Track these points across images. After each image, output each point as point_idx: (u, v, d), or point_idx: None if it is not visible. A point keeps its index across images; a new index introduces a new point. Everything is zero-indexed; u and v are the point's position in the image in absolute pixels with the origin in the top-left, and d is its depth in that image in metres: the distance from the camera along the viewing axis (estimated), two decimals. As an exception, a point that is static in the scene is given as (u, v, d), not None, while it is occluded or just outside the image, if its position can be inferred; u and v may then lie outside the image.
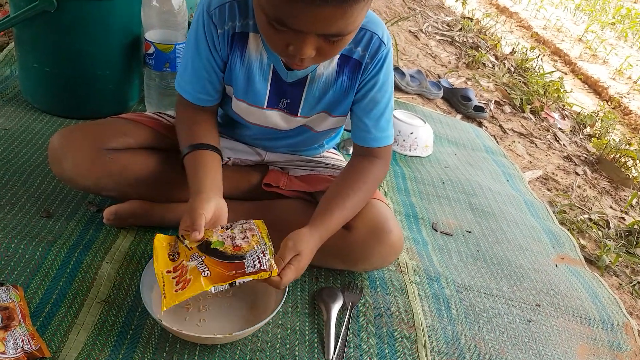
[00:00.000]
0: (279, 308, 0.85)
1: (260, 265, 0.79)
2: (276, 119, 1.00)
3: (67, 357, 0.79)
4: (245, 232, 0.85)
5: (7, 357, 0.75)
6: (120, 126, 1.03)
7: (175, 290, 0.77)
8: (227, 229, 0.85)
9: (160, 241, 0.85)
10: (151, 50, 1.33)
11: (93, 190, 1.02)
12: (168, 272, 0.80)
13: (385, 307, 1.01)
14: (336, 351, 0.88)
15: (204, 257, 0.80)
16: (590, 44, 3.89)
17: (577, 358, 1.03)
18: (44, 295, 0.88)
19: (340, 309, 0.96)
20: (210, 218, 0.84)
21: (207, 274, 0.77)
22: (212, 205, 0.85)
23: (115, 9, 1.27)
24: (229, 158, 1.11)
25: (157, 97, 1.41)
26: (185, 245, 0.82)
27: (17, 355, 0.76)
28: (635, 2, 5.97)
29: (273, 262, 0.80)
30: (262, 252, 0.81)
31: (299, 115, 0.98)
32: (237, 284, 0.78)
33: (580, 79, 3.28)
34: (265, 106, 0.97)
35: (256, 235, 0.84)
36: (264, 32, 0.79)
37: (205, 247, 0.81)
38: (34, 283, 0.90)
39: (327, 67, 0.93)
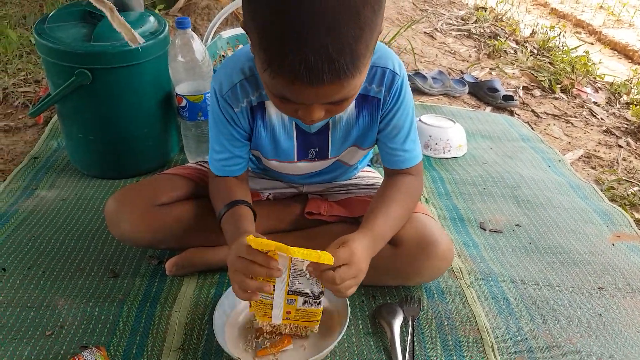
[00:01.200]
0: (344, 329, 0.88)
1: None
2: (306, 166, 1.05)
3: (155, 406, 0.85)
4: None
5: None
6: (167, 182, 1.10)
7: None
8: None
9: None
10: (183, 103, 1.41)
11: (151, 245, 1.09)
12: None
13: (447, 315, 1.02)
14: (405, 365, 0.91)
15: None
16: (612, 10, 3.78)
17: (650, 337, 1.01)
18: (124, 351, 0.95)
19: (402, 324, 0.98)
20: None
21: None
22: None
23: (145, 71, 1.36)
24: (269, 193, 1.16)
25: (195, 145, 1.48)
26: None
27: (111, 410, 0.82)
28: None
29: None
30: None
31: (329, 157, 1.03)
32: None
33: (609, 46, 3.20)
34: (295, 160, 1.02)
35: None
36: (274, 103, 0.82)
37: None
38: (113, 341, 0.97)
39: (346, 111, 0.96)
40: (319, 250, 0.79)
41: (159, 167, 1.51)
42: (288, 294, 0.85)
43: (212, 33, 1.64)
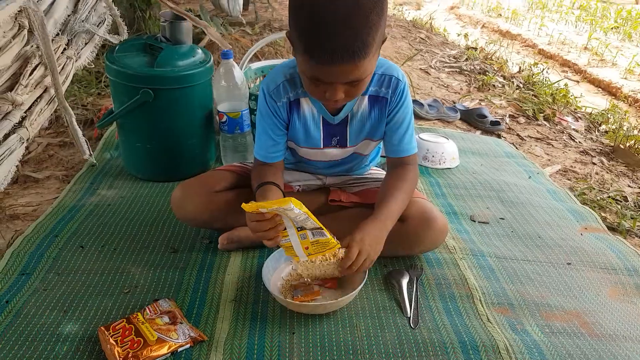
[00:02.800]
0: (363, 283, 1.15)
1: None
2: (332, 153, 1.33)
3: (220, 338, 1.09)
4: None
5: (181, 342, 1.06)
6: (220, 175, 1.39)
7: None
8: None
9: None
10: (224, 119, 1.70)
11: (207, 224, 1.37)
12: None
13: (443, 278, 1.29)
14: (411, 310, 1.16)
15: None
16: (596, 50, 4.12)
17: (608, 298, 1.27)
18: (189, 303, 1.20)
19: (408, 283, 1.24)
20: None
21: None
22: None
23: (195, 92, 1.66)
24: (299, 186, 1.44)
25: (231, 154, 1.77)
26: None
27: (187, 340, 1.07)
28: (636, 4, 6.22)
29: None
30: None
31: (348, 146, 1.31)
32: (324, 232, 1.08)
33: (592, 83, 3.50)
34: (322, 146, 1.31)
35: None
36: (308, 88, 1.13)
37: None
38: (180, 296, 1.22)
39: (361, 107, 1.26)
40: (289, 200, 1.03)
41: (201, 172, 1.78)
42: (298, 230, 1.10)
43: (245, 64, 1.95)
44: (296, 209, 1.03)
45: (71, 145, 2.06)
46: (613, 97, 3.32)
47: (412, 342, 1.09)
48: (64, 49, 1.82)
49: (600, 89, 3.49)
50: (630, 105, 3.15)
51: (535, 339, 1.11)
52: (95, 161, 1.76)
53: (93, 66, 2.28)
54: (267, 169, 1.30)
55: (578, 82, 3.56)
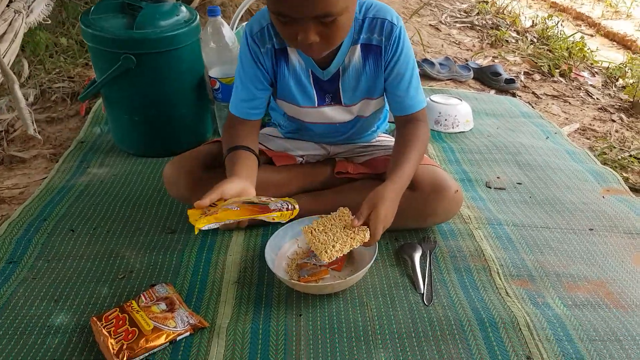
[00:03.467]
0: (373, 259, 1.06)
1: (283, 206, 0.96)
2: (330, 113, 1.21)
3: (222, 324, 1.02)
4: (268, 197, 1.02)
5: (179, 330, 0.99)
6: (214, 148, 1.28)
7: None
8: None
9: (192, 212, 0.98)
10: (217, 85, 1.59)
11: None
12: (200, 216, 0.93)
13: (458, 250, 1.20)
14: (425, 286, 1.08)
15: (233, 204, 0.95)
16: (610, 1, 3.93)
17: (633, 265, 1.18)
18: (189, 286, 1.12)
19: (420, 257, 1.16)
20: (231, 195, 0.97)
21: (235, 208, 0.93)
22: (235, 185, 0.99)
23: (182, 55, 1.54)
24: (302, 158, 1.34)
25: (229, 126, 1.67)
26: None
27: (185, 327, 1.00)
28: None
29: (296, 206, 0.98)
30: (287, 203, 1.00)
31: (343, 103, 1.19)
32: (262, 218, 0.94)
33: (607, 36, 3.34)
34: (316, 104, 1.19)
35: (282, 198, 1.02)
36: (279, 29, 1.00)
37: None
38: (178, 280, 1.14)
39: (353, 58, 1.13)
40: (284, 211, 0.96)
41: (197, 147, 1.69)
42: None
43: (237, 21, 1.81)
44: (262, 217, 0.94)
45: (59, 121, 1.98)
46: (628, 50, 3.17)
47: (426, 320, 1.01)
48: (11, 1, 1.67)
49: (614, 43, 3.32)
50: (644, 60, 2.99)
51: (557, 312, 1.03)
52: (39, 136, 1.67)
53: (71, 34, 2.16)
54: (241, 129, 1.18)
55: (592, 35, 3.39)
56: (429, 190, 1.15)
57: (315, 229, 1.06)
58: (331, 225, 1.06)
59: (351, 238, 1.02)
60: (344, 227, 1.04)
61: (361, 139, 1.35)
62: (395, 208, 1.07)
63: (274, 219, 0.97)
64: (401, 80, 1.14)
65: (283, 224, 1.10)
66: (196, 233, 0.91)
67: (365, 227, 1.03)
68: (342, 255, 1.02)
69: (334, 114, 1.22)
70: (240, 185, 1.01)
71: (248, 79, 1.16)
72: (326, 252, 1.00)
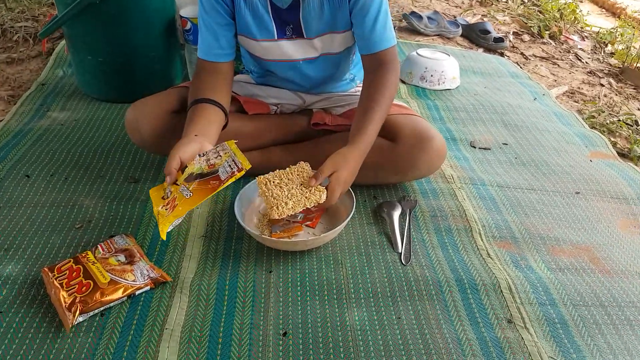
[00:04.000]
0: (349, 217, 0.99)
1: (232, 169, 0.91)
2: (290, 49, 1.11)
3: (186, 279, 0.94)
4: (217, 152, 0.96)
5: (138, 284, 0.91)
6: (181, 92, 1.18)
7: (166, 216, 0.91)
8: (203, 155, 0.96)
9: (153, 190, 0.98)
10: (188, 26, 1.47)
11: (169, 149, 1.17)
12: (162, 207, 0.93)
13: (439, 209, 1.14)
14: (403, 245, 1.02)
15: (187, 185, 0.92)
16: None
17: (619, 230, 1.14)
18: (151, 239, 1.05)
19: (400, 216, 1.09)
20: (187, 158, 0.94)
21: (189, 195, 0.90)
22: (191, 147, 0.94)
23: (150, -9, 1.41)
24: (276, 107, 1.25)
25: (202, 72, 1.55)
26: (176, 184, 0.95)
27: (146, 281, 0.92)
28: None
29: (245, 161, 0.92)
30: (232, 159, 0.93)
31: (305, 36, 1.09)
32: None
33: (596, 3, 3.26)
34: (276, 37, 1.09)
35: (228, 152, 0.95)
36: None
37: (189, 177, 0.94)
38: (140, 231, 1.06)
39: None
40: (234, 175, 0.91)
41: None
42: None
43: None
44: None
45: (20, 62, 1.84)
46: (617, 18, 3.10)
47: (403, 280, 0.96)
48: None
49: (604, 10, 3.24)
50: (634, 27, 2.92)
51: (541, 275, 0.99)
52: None
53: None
54: (209, 78, 1.09)
55: (581, 1, 3.30)
56: (411, 141, 1.08)
57: (270, 181, 0.99)
58: (288, 179, 0.99)
59: (306, 197, 0.96)
60: (301, 184, 0.98)
61: (337, 88, 1.25)
62: (356, 172, 1.01)
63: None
64: (367, 13, 1.04)
65: (255, 177, 1.02)
66: (164, 239, 0.91)
67: (323, 188, 0.97)
68: (293, 213, 0.96)
69: (295, 48, 1.11)
70: (195, 147, 0.95)
71: (209, 16, 1.06)
72: (277, 208, 0.95)
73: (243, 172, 0.92)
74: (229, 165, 0.92)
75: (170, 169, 0.92)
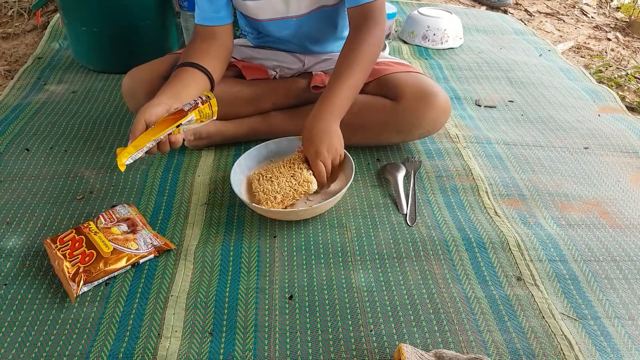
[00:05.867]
0: (351, 180, 0.97)
1: (196, 102, 0.89)
2: (281, 4, 1.06)
3: (190, 247, 0.93)
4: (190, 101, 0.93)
5: (142, 252, 0.90)
6: (175, 58, 1.14)
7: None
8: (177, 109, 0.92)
9: (121, 150, 0.90)
10: (183, -7, 1.43)
11: (169, 118, 1.15)
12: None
13: (444, 169, 1.12)
14: (408, 206, 1.00)
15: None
16: None
17: (630, 185, 1.12)
18: (154, 208, 1.03)
19: (404, 177, 1.07)
20: (153, 121, 0.87)
21: (152, 126, 0.87)
22: (156, 110, 0.88)
23: (145, -42, 1.37)
24: (275, 71, 1.22)
25: (199, 39, 1.52)
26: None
27: (149, 250, 0.91)
28: None
29: (210, 95, 0.91)
30: (200, 97, 0.91)
31: None
32: (183, 124, 0.87)
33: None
34: None
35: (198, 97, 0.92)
36: None
37: None
38: (142, 201, 1.05)
39: None
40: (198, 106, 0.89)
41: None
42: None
43: None
44: (180, 123, 0.86)
45: (15, 36, 1.80)
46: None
47: (409, 241, 0.94)
48: None
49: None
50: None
51: (550, 232, 0.97)
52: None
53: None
54: (201, 43, 1.05)
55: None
56: (414, 98, 1.05)
57: (263, 176, 1.00)
58: (279, 172, 0.99)
59: (294, 190, 0.96)
60: (292, 176, 0.98)
61: (336, 48, 1.21)
62: (335, 133, 0.97)
63: (198, 121, 0.90)
64: None
65: (256, 143, 1.00)
66: (122, 170, 0.86)
67: (311, 177, 0.96)
68: (283, 206, 0.96)
69: (288, 3, 1.06)
70: (161, 109, 0.89)
71: None
72: (267, 203, 0.95)
73: (213, 101, 0.90)
74: (194, 101, 0.90)
75: (134, 132, 0.87)
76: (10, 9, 1.97)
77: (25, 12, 1.94)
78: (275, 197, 0.95)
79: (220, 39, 1.07)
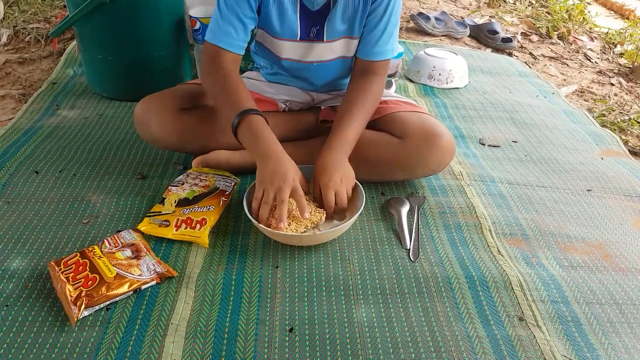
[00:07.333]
0: (359, 212, 0.98)
1: (230, 182, 1.10)
2: (309, 50, 1.12)
3: (192, 274, 0.93)
4: (194, 178, 1.13)
5: (145, 278, 0.91)
6: (190, 89, 1.18)
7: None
8: (182, 184, 1.11)
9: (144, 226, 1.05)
10: (197, 25, 1.47)
11: (178, 146, 1.17)
12: (176, 231, 1.02)
13: (448, 206, 1.12)
14: (411, 241, 1.01)
15: (189, 207, 1.06)
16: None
17: (632, 228, 1.12)
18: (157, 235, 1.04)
19: (408, 212, 1.08)
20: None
21: (209, 208, 1.05)
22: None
23: (160, -8, 1.41)
24: (285, 105, 1.24)
25: (210, 70, 1.55)
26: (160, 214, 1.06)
27: (152, 276, 0.91)
28: None
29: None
30: (220, 176, 1.12)
31: (325, 40, 1.10)
32: None
33: (604, 5, 3.24)
34: (298, 38, 1.09)
35: (203, 174, 1.13)
36: None
37: (182, 202, 1.07)
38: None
39: None
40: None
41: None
42: None
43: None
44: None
45: (31, 62, 1.85)
46: (626, 19, 3.08)
47: (412, 277, 0.94)
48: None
49: (612, 12, 3.22)
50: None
51: (552, 273, 0.97)
52: None
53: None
54: (237, 77, 1.07)
55: (589, 3, 3.28)
56: (419, 138, 1.07)
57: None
58: (291, 202, 1.01)
59: (306, 219, 0.99)
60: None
61: (345, 86, 1.24)
62: (347, 164, 1.02)
63: None
64: (380, 19, 1.07)
65: None
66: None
67: (322, 210, 1.00)
68: (294, 234, 0.98)
69: (315, 51, 1.12)
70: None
71: (237, 5, 1.03)
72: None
73: (239, 181, 1.11)
74: (223, 180, 1.12)
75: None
76: (28, 34, 2.02)
77: (42, 38, 2.00)
78: (290, 224, 0.98)
79: (236, 65, 1.10)
